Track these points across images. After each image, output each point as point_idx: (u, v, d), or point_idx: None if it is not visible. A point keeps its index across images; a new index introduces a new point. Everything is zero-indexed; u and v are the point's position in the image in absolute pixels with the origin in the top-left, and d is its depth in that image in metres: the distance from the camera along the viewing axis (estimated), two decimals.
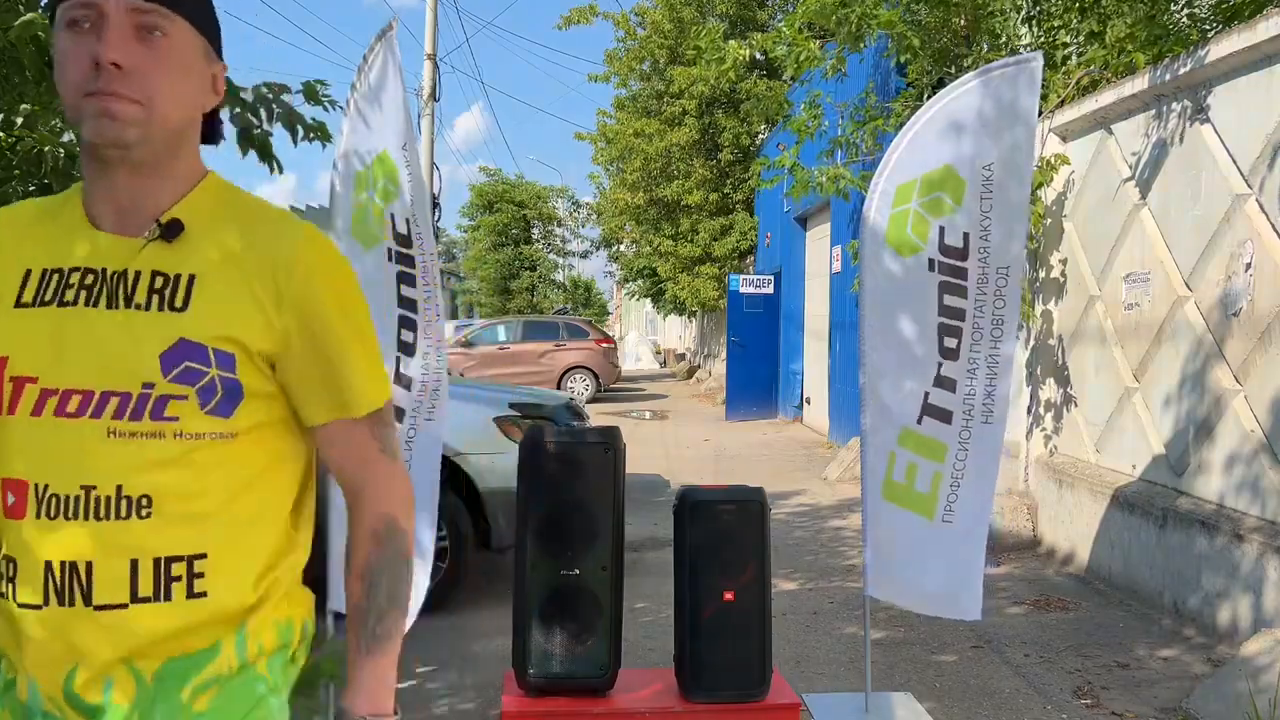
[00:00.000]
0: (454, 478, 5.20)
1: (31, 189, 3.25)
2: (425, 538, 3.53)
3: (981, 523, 3.69)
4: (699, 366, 25.31)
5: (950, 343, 3.69)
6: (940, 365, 3.71)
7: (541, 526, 3.62)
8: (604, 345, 19.05)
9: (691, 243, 19.12)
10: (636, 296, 28.93)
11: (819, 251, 13.53)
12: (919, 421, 3.73)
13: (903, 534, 3.77)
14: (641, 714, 3.59)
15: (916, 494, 3.76)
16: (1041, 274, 6.87)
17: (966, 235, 3.64)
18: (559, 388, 18.35)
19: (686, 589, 3.65)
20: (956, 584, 3.74)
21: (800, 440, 12.88)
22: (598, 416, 15.87)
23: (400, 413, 3.55)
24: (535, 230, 33.86)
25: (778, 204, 15.31)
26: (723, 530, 3.63)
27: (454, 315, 34.04)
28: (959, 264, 3.65)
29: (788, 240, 15.52)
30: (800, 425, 14.29)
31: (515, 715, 3.56)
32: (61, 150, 3.11)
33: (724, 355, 16.86)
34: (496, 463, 5.20)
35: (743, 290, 15.80)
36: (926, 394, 3.73)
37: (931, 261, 3.69)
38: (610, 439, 3.67)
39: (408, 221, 3.50)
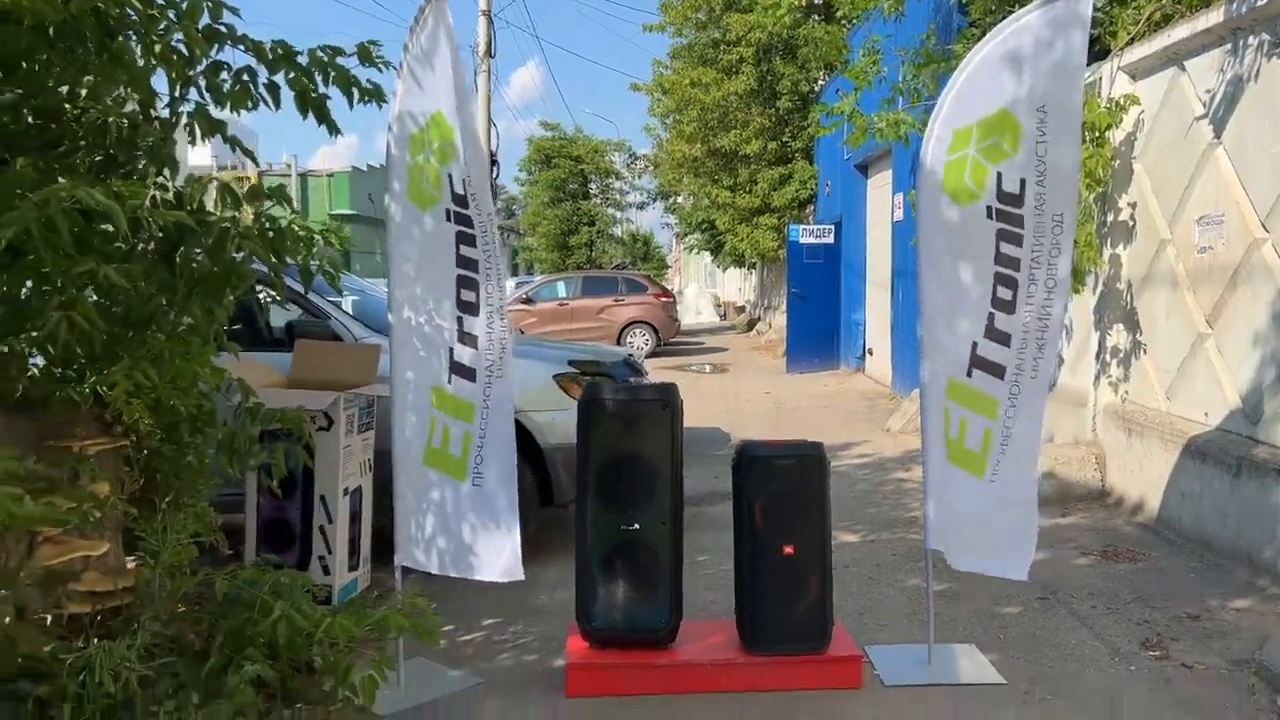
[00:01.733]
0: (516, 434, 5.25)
1: (98, 158, 3.33)
2: (502, 499, 3.58)
3: (1030, 483, 3.65)
4: (759, 319, 25.17)
5: (1005, 294, 3.62)
6: (993, 317, 3.64)
7: (601, 482, 3.66)
8: (663, 300, 19.02)
9: (750, 193, 18.92)
10: (695, 250, 28.79)
11: (880, 199, 13.31)
12: (969, 374, 3.67)
13: (957, 491, 3.74)
14: (703, 666, 3.64)
15: (968, 451, 3.72)
16: (1110, 218, 6.68)
17: (1023, 181, 3.55)
18: (618, 343, 18.40)
19: (746, 544, 3.67)
20: (1006, 544, 3.70)
21: (862, 392, 12.78)
22: (657, 371, 15.90)
23: (470, 372, 3.59)
24: (593, 185, 33.79)
25: (838, 152, 15.06)
26: (782, 485, 3.63)
27: (514, 272, 34.17)
28: (1015, 211, 3.58)
29: (848, 188, 15.28)
30: (862, 376, 14.17)
31: (579, 666, 3.62)
32: (125, 120, 3.17)
33: (784, 307, 16.73)
34: (557, 419, 5.25)
35: (803, 240, 15.62)
36: (975, 344, 3.67)
37: (989, 209, 3.61)
38: (667, 395, 3.69)
39: (464, 182, 3.52)
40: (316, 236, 3.51)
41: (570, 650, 3.71)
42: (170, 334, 3.31)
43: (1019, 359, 3.60)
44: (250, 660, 3.32)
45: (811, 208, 18.52)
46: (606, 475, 3.66)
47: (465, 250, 3.55)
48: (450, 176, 3.53)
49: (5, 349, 3.24)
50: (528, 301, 18.78)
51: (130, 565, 3.44)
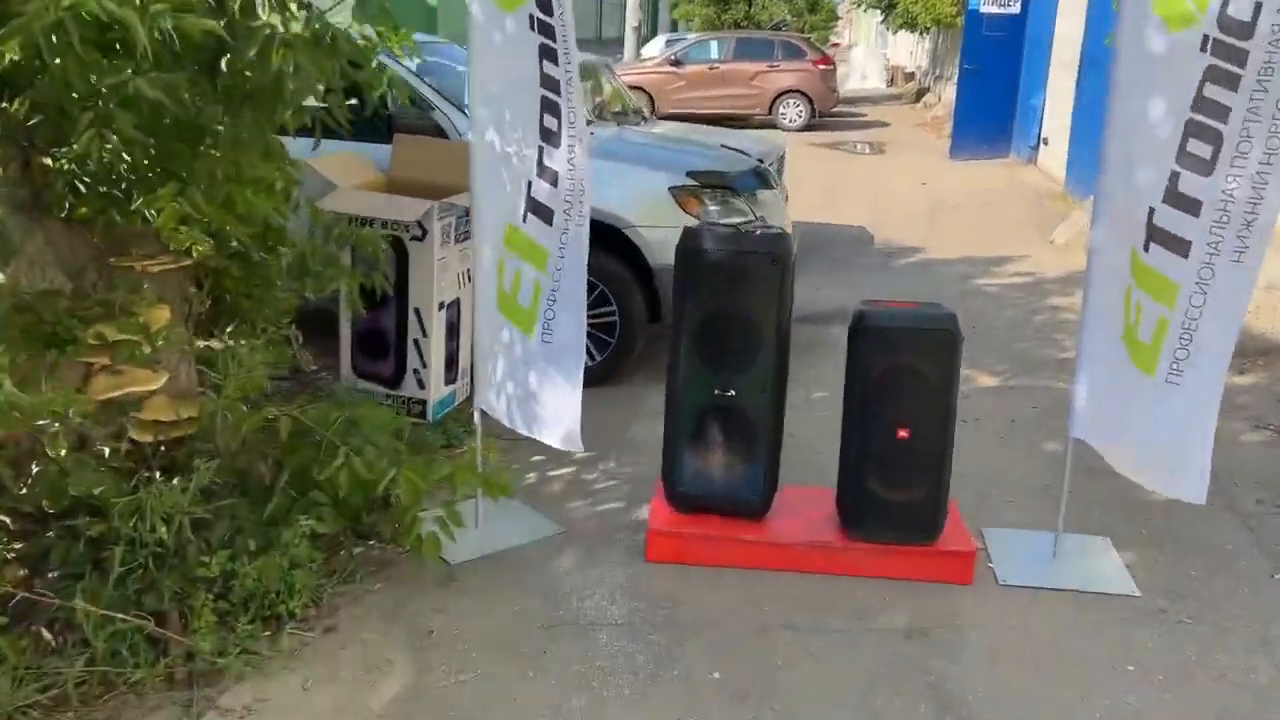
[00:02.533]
0: (625, 250, 4.85)
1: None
2: (571, 360, 3.22)
3: (1214, 391, 3.02)
4: (928, 90, 23.28)
5: (1201, 149, 2.88)
6: (1177, 177, 2.92)
7: (695, 341, 3.27)
8: (822, 67, 17.64)
9: None
10: (865, 7, 26.52)
11: None
12: (1146, 248, 3.01)
13: (1120, 385, 3.17)
14: (795, 546, 3.33)
15: (1139, 342, 3.11)
16: None
17: (1259, 6, 2.73)
18: (770, 112, 17.35)
19: (855, 421, 3.26)
20: (1176, 459, 3.13)
21: (1031, 188, 11.68)
22: (807, 148, 14.95)
23: (548, 212, 3.16)
24: None
25: None
26: (903, 360, 3.15)
27: (673, 28, 32.22)
28: (1240, 44, 2.77)
29: None
30: (1033, 169, 12.94)
31: (661, 534, 3.38)
32: None
33: (956, 80, 15.26)
34: (670, 237, 4.72)
35: (984, 9, 13.99)
36: (1152, 210, 2.98)
37: (1205, 39, 2.82)
38: (777, 248, 3.20)
39: None
40: (382, 48, 3.06)
41: (654, 513, 3.45)
42: (225, 152, 2.98)
43: (1215, 236, 2.91)
44: (314, 505, 3.19)
45: None
46: (702, 333, 3.25)
47: (548, 67, 3.03)
48: None
49: (49, 162, 2.99)
50: (676, 63, 17.74)
51: (200, 394, 3.30)
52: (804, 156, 13.87)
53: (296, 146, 3.28)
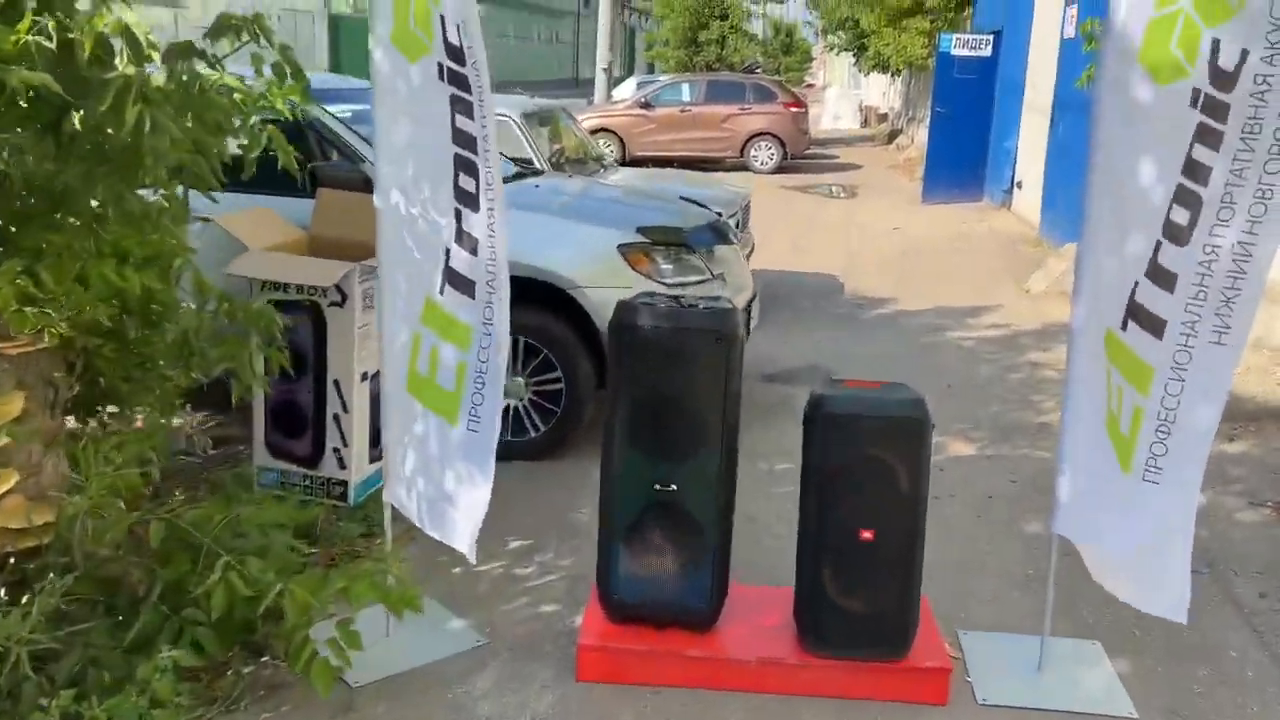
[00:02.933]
0: (571, 312, 4.48)
1: None
2: (492, 443, 2.82)
3: (1194, 491, 2.64)
4: (900, 131, 23.22)
5: (1179, 216, 2.53)
6: (1159, 248, 2.57)
7: (632, 430, 2.88)
8: (793, 109, 17.45)
9: None
10: (837, 50, 26.52)
11: (1050, 9, 11.44)
12: (1124, 326, 2.66)
13: (1100, 482, 2.80)
14: (748, 665, 2.92)
15: (1121, 435, 2.74)
16: None
17: (1244, 54, 2.39)
18: (741, 155, 17.13)
19: (812, 520, 2.87)
20: (1156, 569, 2.75)
21: (1005, 233, 11.43)
22: (779, 191, 14.70)
23: (469, 285, 2.77)
24: None
25: None
26: (866, 455, 2.77)
27: (650, 69, 32.06)
28: (1223, 97, 2.43)
29: None
30: (1007, 213, 12.72)
31: (593, 649, 2.97)
32: None
33: (928, 122, 15.09)
34: (619, 299, 4.41)
35: (955, 52, 13.84)
36: (1136, 284, 2.63)
37: (1196, 94, 2.48)
38: (723, 324, 2.82)
39: (459, 29, 2.59)
40: (266, 103, 2.67)
41: (586, 625, 3.04)
42: (84, 220, 2.58)
43: (1191, 314, 2.54)
44: (190, 624, 2.76)
45: (969, 11, 16.42)
46: (639, 420, 2.87)
47: (462, 122, 2.66)
48: (443, 18, 2.60)
49: None
50: (647, 106, 17.51)
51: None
52: (775, 200, 13.62)
53: (210, 201, 2.89)
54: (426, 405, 2.91)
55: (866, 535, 2.80)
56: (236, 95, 2.50)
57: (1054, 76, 10.84)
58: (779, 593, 3.10)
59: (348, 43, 25.77)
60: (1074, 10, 10.05)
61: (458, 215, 2.73)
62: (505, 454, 4.60)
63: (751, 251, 7.63)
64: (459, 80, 2.62)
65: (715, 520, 2.89)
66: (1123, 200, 2.65)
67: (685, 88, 18.41)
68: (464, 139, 2.67)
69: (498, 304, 2.71)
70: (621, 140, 17.18)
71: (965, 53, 13.74)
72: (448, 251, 2.78)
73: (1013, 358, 6.50)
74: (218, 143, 2.45)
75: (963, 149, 13.79)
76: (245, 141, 2.67)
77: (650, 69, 32.77)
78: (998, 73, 13.73)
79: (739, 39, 30.47)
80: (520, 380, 4.54)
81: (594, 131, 17.14)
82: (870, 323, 7.41)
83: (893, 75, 22.53)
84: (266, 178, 3.12)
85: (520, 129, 6.97)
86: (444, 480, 2.88)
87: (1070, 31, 10.15)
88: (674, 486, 2.87)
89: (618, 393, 2.88)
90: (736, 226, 7.05)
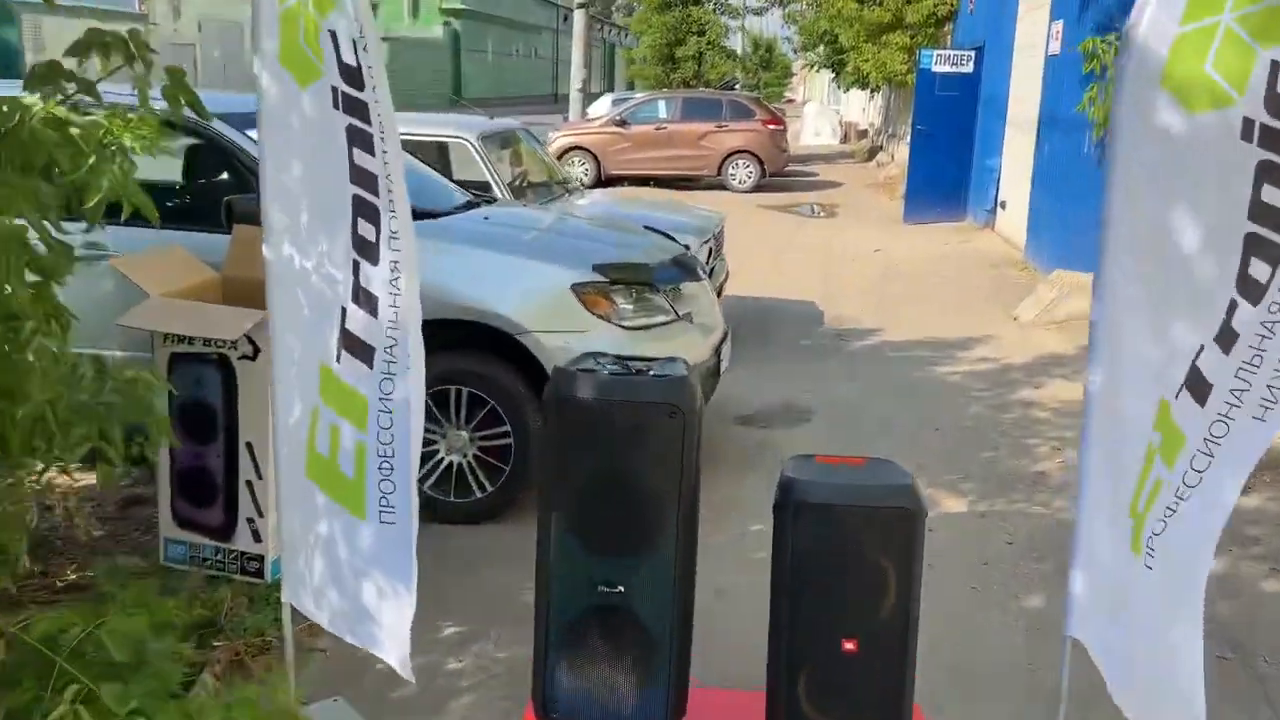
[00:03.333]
0: (520, 359, 4.04)
1: None
2: (411, 544, 2.35)
3: (1198, 581, 2.21)
4: (881, 148, 22.93)
5: (1260, 271, 2.12)
6: (1235, 308, 2.16)
7: (571, 522, 2.43)
8: (771, 127, 17.09)
9: (880, 5, 16.57)
10: (816, 67, 26.26)
11: (1034, 25, 11.12)
12: (1176, 395, 2.24)
13: (1113, 570, 2.37)
14: None
15: (1137, 510, 2.32)
16: None
17: None
18: (719, 173, 16.75)
19: (786, 625, 2.42)
20: (1158, 667, 2.32)
21: (989, 255, 11.06)
22: (757, 210, 14.31)
23: (367, 351, 2.32)
24: None
25: None
26: (849, 551, 2.34)
27: (610, 87, 31.75)
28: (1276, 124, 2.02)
29: (995, 8, 12.99)
30: (991, 234, 12.37)
31: None
32: None
33: (909, 139, 14.76)
34: (573, 345, 3.97)
35: (936, 69, 13.51)
36: (1200, 349, 2.21)
37: (1249, 124, 2.06)
38: (679, 396, 2.38)
39: (355, 46, 2.15)
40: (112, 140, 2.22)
41: None
42: None
43: (1241, 381, 2.14)
44: None
45: (949, 27, 16.13)
46: (579, 511, 2.42)
47: (360, 158, 2.22)
48: (334, 35, 2.16)
49: None
50: (622, 124, 17.11)
51: None
52: (753, 220, 13.24)
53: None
54: (329, 494, 2.45)
55: (849, 645, 2.36)
56: (75, 130, 2.06)
57: (1039, 93, 10.51)
58: (748, 700, 2.65)
59: None
60: (1059, 26, 9.72)
61: (355, 268, 2.28)
62: (447, 517, 4.21)
63: (726, 279, 7.22)
64: (356, 108, 2.18)
65: (672, 627, 2.45)
66: (1158, 261, 2.22)
67: (662, 105, 18.04)
68: (363, 178, 2.23)
69: (401, 374, 2.25)
70: (597, 159, 16.78)
71: (947, 69, 13.42)
72: (344, 311, 2.33)
73: (1004, 395, 6.09)
74: (52, 189, 2.00)
75: (945, 168, 13.46)
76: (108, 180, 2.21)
77: (631, 85, 32.45)
78: (980, 89, 13.41)
79: (717, 55, 30.17)
80: (464, 434, 4.09)
81: (568, 150, 16.78)
82: (851, 356, 7.00)
83: (872, 92, 22.27)
84: (189, 211, 2.65)
85: (478, 152, 6.53)
86: (360, 593, 2.42)
87: (1055, 48, 9.82)
88: (621, 588, 2.42)
89: (554, 477, 2.43)
90: (710, 254, 6.64)
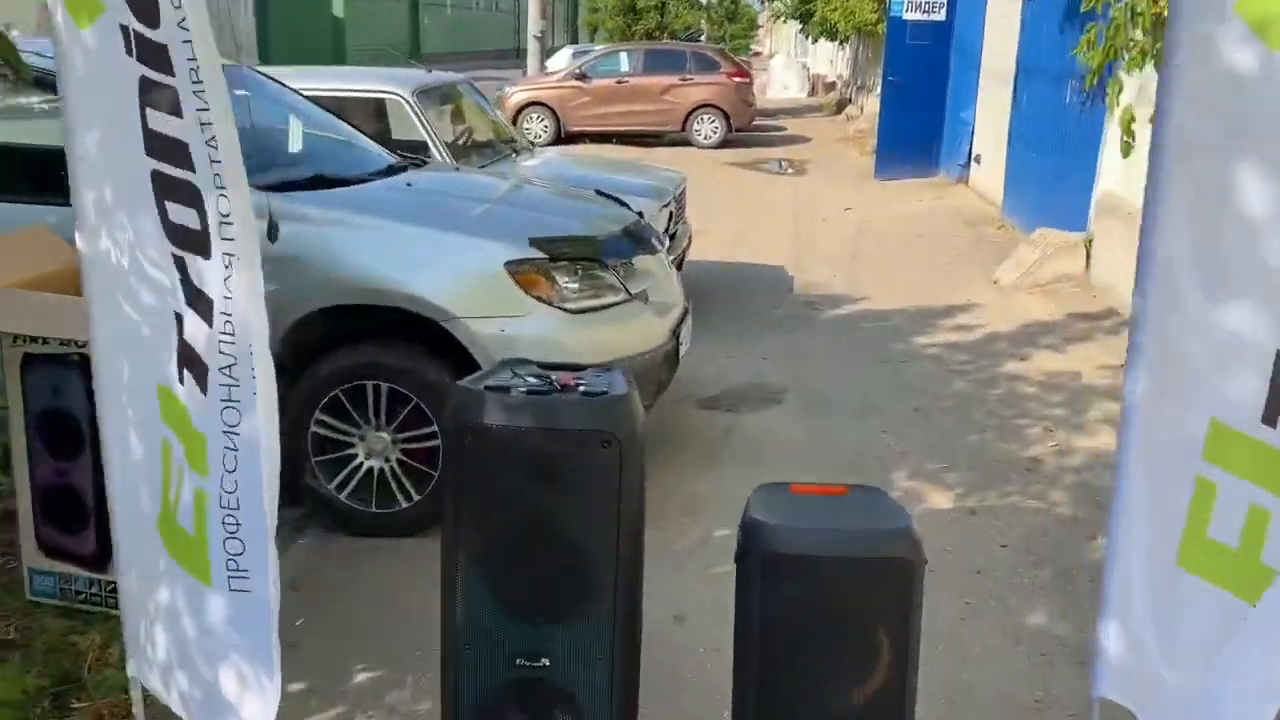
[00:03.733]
0: (446, 349, 3.51)
1: None
2: (273, 609, 1.83)
3: None
4: (850, 101, 22.34)
5: None
6: None
7: (481, 577, 1.92)
8: (738, 80, 16.45)
9: None
10: (783, 18, 25.55)
11: None
12: (1265, 420, 1.76)
13: (1195, 622, 1.90)
14: None
15: (1213, 544, 1.86)
16: None
17: None
18: (683, 129, 16.13)
19: (753, 691, 1.94)
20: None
21: (965, 212, 10.59)
22: (723, 168, 13.73)
23: (202, 372, 1.77)
24: None
25: None
26: (830, 609, 1.85)
27: (574, 39, 30.84)
28: None
29: None
30: (965, 189, 11.89)
31: None
32: None
33: (879, 91, 14.21)
34: (508, 331, 3.46)
35: (907, 16, 12.94)
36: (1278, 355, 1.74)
37: None
38: (615, 419, 1.87)
39: None
40: None
41: None
42: None
43: None
44: None
45: None
46: (492, 565, 1.91)
47: (157, 120, 1.66)
48: None
49: None
50: (582, 77, 16.42)
51: None
52: (718, 179, 12.70)
53: None
54: (172, 554, 1.93)
55: None
56: None
57: (1015, 42, 9.99)
58: None
59: (276, 26, 23.63)
60: None
61: (180, 265, 1.74)
62: (367, 530, 3.69)
63: (689, 244, 6.70)
64: (152, 54, 1.62)
65: (611, 709, 1.96)
66: (1229, 233, 1.73)
67: (623, 57, 17.33)
68: (164, 147, 1.67)
69: (247, 402, 1.71)
70: (556, 115, 16.10)
71: (918, 17, 12.85)
72: (179, 320, 1.79)
73: (989, 368, 5.63)
74: None
75: (916, 121, 12.93)
76: None
77: (591, 37, 31.53)
78: (953, 38, 12.86)
79: (681, 5, 29.29)
80: (385, 436, 3.57)
81: (526, 106, 16.10)
82: (823, 327, 6.51)
83: (841, 42, 21.63)
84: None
85: (413, 109, 5.93)
86: (214, 678, 1.90)
87: None
88: (545, 662, 1.93)
89: (457, 524, 1.92)
90: (670, 219, 6.11)
